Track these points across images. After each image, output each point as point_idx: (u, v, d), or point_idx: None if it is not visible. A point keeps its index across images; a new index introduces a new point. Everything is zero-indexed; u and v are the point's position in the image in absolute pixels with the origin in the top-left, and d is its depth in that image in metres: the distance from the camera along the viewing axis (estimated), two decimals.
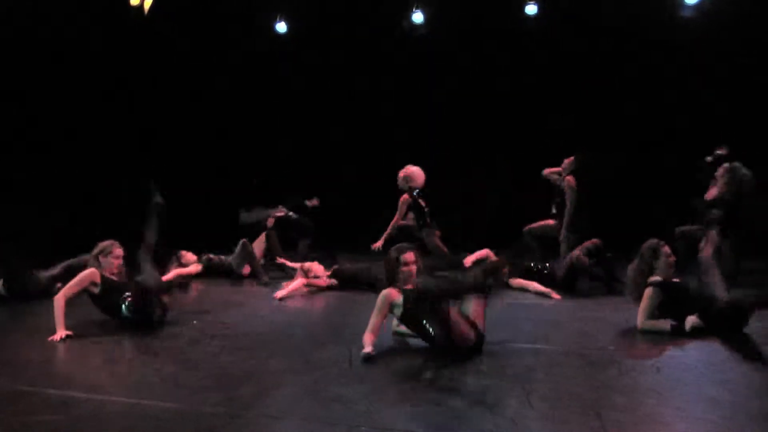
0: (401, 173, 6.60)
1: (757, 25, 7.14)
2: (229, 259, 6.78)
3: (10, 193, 7.68)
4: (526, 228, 6.75)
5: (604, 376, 3.48)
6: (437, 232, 6.59)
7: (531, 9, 7.86)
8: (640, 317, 4.36)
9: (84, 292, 4.69)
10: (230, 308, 5.38)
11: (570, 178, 6.45)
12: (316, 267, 6.15)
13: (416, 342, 4.12)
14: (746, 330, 4.19)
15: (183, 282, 6.37)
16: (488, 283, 4.34)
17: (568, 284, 5.79)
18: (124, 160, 8.65)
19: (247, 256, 6.65)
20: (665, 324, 4.25)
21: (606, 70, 7.92)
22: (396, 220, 6.61)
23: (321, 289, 6.07)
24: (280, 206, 7.04)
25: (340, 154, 8.86)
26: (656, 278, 4.40)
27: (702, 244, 5.28)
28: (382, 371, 3.62)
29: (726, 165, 5.74)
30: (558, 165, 6.70)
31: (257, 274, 6.59)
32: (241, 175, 8.87)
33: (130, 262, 4.94)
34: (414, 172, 6.56)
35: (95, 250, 4.81)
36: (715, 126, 7.03)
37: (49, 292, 5.38)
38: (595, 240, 5.79)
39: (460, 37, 8.35)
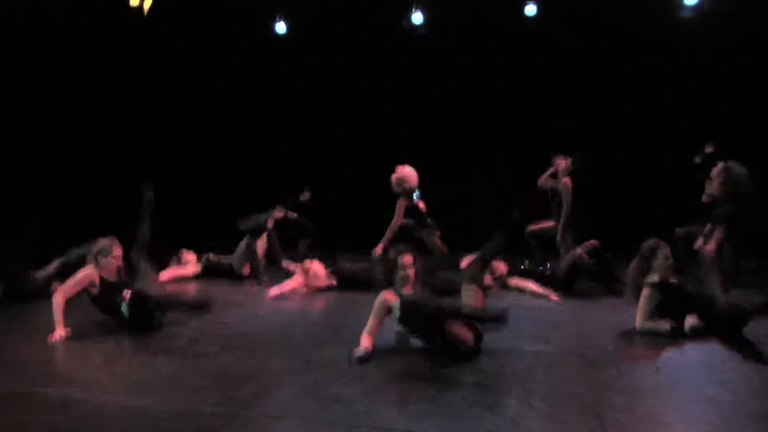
0: (393, 177, 6.38)
1: (757, 25, 7.13)
2: (229, 259, 6.79)
3: (10, 193, 7.67)
4: (527, 229, 6.74)
5: (603, 377, 3.49)
6: (437, 232, 6.57)
7: (530, 10, 7.85)
8: (639, 318, 4.36)
9: (83, 292, 4.69)
10: (230, 308, 5.38)
11: (566, 180, 6.43)
12: (317, 266, 6.15)
13: (416, 342, 4.13)
14: (746, 330, 4.19)
15: (181, 282, 6.36)
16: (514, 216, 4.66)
17: (568, 284, 5.79)
18: (124, 160, 8.65)
19: (251, 256, 6.66)
20: (664, 325, 4.26)
21: (606, 70, 7.91)
22: (395, 224, 6.49)
23: (321, 290, 6.07)
24: (279, 206, 7.04)
25: (340, 154, 8.85)
26: (654, 279, 4.39)
27: (701, 241, 5.27)
28: (382, 371, 3.63)
29: (721, 165, 5.57)
30: (551, 166, 6.69)
31: (257, 274, 6.59)
32: (241, 175, 8.87)
33: (127, 261, 4.94)
34: (407, 173, 6.37)
35: (95, 249, 4.78)
36: (715, 126, 7.03)
37: (46, 292, 5.38)
38: (593, 241, 5.78)
39: (460, 37, 8.34)
